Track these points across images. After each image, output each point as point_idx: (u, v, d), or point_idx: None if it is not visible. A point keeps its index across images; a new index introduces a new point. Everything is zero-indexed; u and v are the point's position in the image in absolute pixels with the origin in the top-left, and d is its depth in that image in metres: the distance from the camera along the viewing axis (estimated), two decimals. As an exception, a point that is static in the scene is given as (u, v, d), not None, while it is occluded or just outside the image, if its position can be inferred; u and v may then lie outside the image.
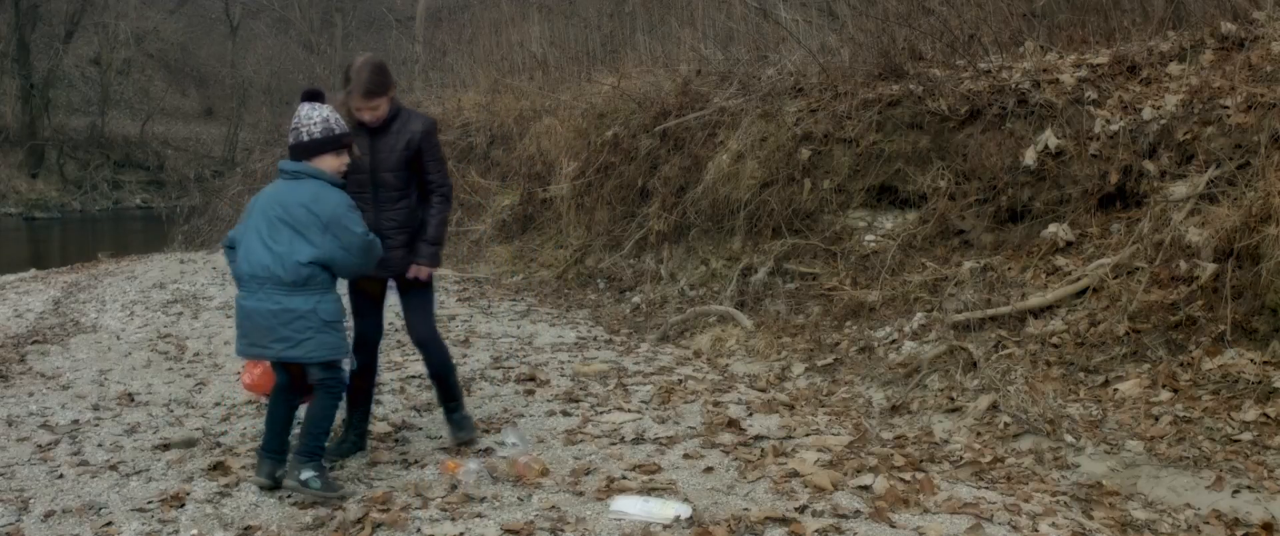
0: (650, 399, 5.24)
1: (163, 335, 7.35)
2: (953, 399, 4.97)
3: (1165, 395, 4.49)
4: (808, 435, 4.47)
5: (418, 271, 4.16)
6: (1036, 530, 3.43)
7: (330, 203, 3.69)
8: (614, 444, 4.41)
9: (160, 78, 39.42)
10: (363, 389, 4.23)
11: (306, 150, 3.73)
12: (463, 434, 4.35)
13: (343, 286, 3.97)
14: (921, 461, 4.21)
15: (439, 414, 4.50)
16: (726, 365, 6.23)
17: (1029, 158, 6.06)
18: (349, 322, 4.07)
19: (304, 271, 3.63)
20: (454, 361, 4.52)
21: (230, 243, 3.83)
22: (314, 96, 3.83)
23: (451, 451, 4.28)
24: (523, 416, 4.90)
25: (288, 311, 3.61)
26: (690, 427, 4.61)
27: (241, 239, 3.76)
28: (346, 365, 3.93)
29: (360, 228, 3.73)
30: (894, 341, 5.76)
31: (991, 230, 6.20)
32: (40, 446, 4.47)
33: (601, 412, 4.96)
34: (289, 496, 3.75)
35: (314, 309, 3.64)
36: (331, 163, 3.77)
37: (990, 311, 5.49)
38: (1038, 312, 5.36)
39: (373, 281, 4.18)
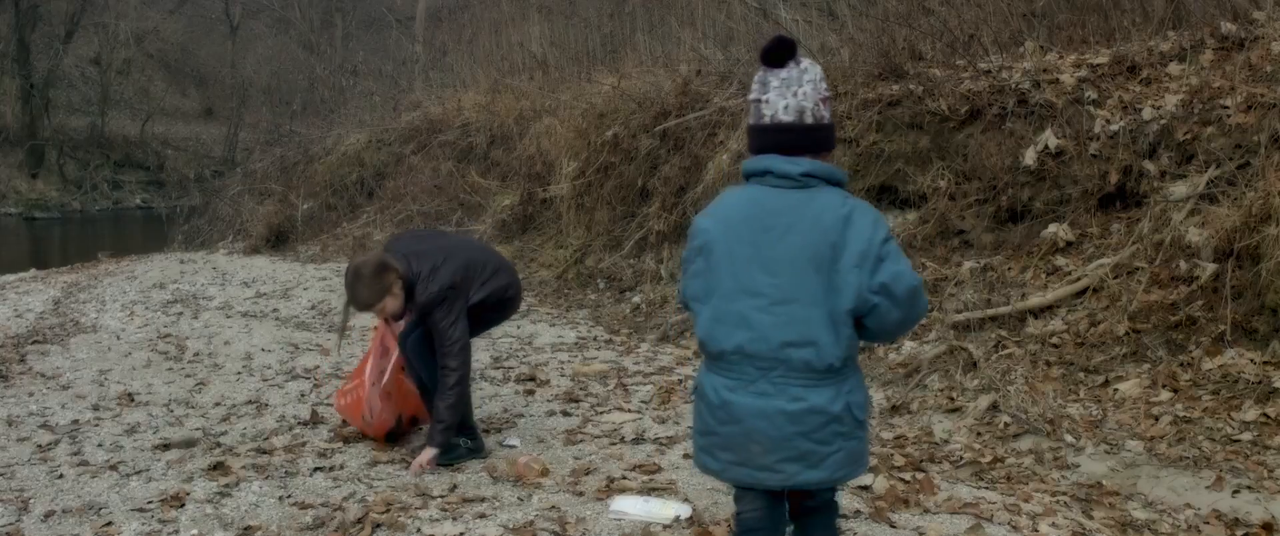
0: (650, 399, 5.24)
1: (163, 335, 7.35)
2: (953, 399, 4.97)
3: (1165, 395, 4.49)
4: (808, 435, 4.47)
5: (417, 467, 3.99)
6: (1036, 530, 3.44)
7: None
8: (614, 444, 4.41)
9: (160, 78, 39.43)
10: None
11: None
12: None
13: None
14: (921, 461, 4.21)
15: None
16: (726, 365, 6.22)
17: (1029, 158, 6.05)
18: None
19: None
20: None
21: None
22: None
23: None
24: (523, 416, 4.90)
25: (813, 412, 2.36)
26: (690, 427, 4.60)
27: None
28: None
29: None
30: (894, 341, 5.76)
31: (991, 230, 6.20)
32: (40, 446, 4.47)
33: (601, 412, 4.96)
34: (289, 496, 3.75)
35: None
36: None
37: (990, 311, 5.49)
38: (1038, 312, 5.36)
39: None
